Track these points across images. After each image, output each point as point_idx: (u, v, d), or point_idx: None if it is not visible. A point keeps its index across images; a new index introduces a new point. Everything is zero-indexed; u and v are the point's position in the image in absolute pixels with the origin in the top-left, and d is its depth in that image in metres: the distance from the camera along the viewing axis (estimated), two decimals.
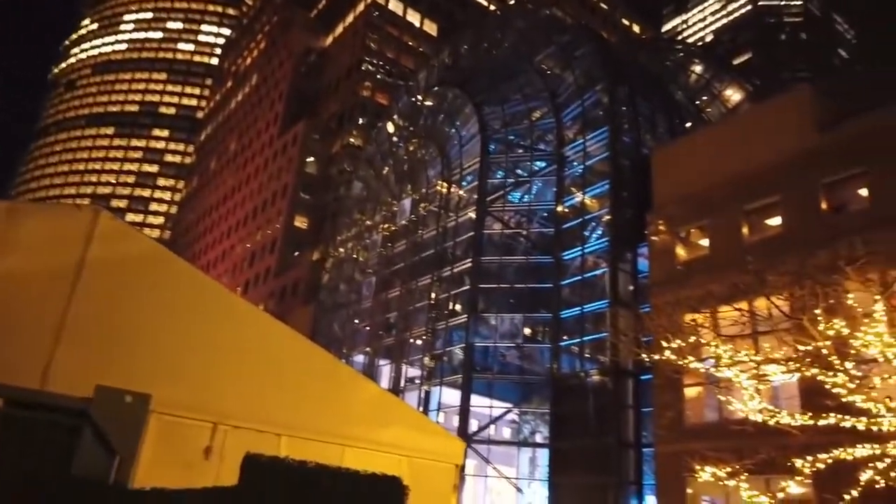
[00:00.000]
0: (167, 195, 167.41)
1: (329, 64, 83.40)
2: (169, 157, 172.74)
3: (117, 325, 5.98)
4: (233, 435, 6.19)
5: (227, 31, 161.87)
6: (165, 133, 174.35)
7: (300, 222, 71.52)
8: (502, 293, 36.22)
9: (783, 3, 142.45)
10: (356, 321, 47.60)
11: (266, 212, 76.18)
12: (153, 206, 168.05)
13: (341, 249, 53.61)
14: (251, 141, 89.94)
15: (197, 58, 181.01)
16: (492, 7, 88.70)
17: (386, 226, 48.01)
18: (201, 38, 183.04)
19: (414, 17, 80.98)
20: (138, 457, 5.15)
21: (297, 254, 68.96)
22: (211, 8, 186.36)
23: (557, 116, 38.29)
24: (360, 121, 71.90)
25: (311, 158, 74.56)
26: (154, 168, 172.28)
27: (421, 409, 35.51)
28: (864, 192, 21.66)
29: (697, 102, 44.05)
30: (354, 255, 51.19)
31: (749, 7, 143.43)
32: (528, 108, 40.46)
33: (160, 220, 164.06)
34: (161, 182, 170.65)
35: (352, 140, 71.20)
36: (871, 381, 11.42)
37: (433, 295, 39.69)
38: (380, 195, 50.26)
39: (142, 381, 5.39)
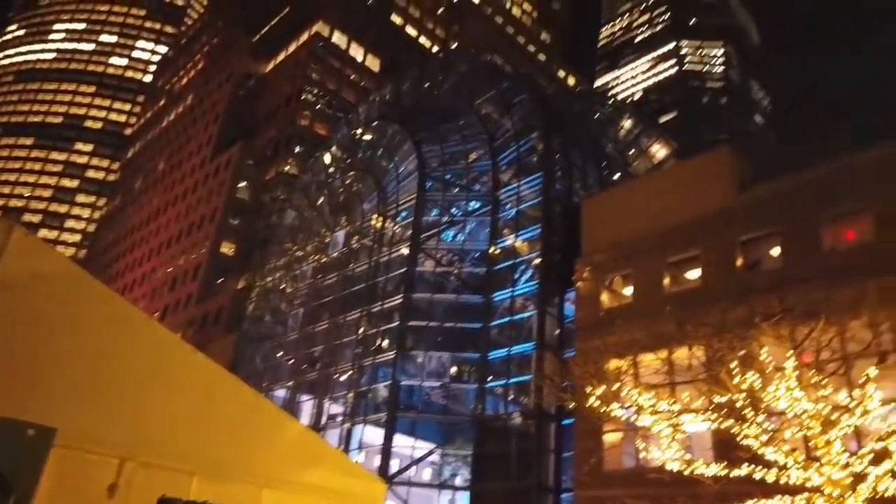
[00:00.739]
0: (86, 212, 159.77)
1: (269, 90, 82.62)
2: (91, 173, 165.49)
3: (24, 349, 5.56)
4: (141, 472, 5.80)
5: (163, 49, 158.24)
6: (89, 148, 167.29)
7: (227, 248, 69.55)
8: (431, 331, 36.11)
9: (706, 69, 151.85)
10: (280, 354, 46.27)
11: (192, 235, 73.75)
12: (69, 223, 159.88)
13: (269, 279, 52.33)
14: (181, 162, 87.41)
15: (129, 73, 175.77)
16: (434, 49, 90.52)
17: (317, 257, 47.30)
18: (136, 53, 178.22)
19: (357, 52, 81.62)
20: (36, 495, 4.73)
21: (221, 281, 66.81)
22: (148, 24, 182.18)
23: (494, 159, 39.10)
24: (297, 149, 71.22)
25: (244, 184, 73.06)
26: (74, 183, 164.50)
27: (342, 447, 34.60)
28: (776, 251, 22.97)
29: (626, 155, 45.95)
30: (282, 286, 50.04)
31: (675, 70, 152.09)
32: (466, 149, 41.16)
33: (76, 237, 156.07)
34: (80, 198, 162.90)
35: (287, 168, 70.32)
36: (781, 434, 11.91)
37: (361, 330, 39.16)
38: (313, 225, 49.61)
39: (47, 412, 4.99)
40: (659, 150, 45.91)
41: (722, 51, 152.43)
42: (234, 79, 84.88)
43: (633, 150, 46.13)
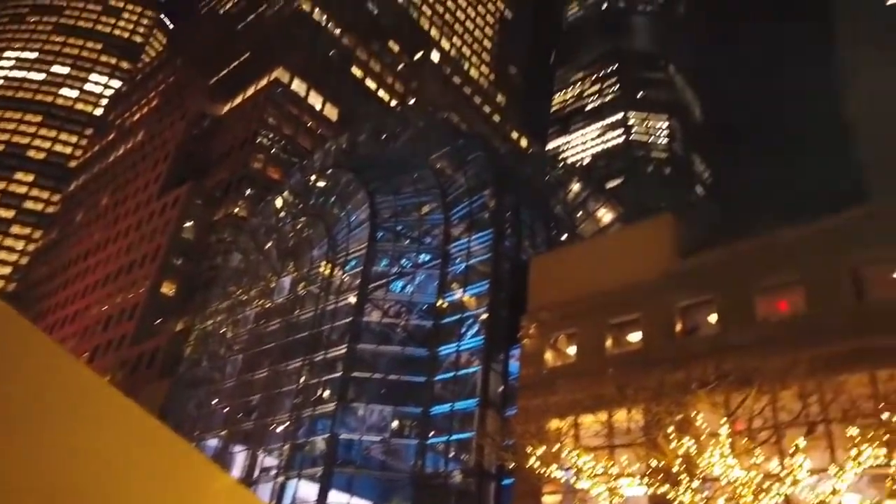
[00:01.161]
0: (20, 244, 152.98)
1: (223, 131, 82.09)
2: (30, 204, 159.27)
3: None
4: None
5: (117, 84, 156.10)
6: (30, 178, 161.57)
7: (168, 289, 67.45)
8: (374, 383, 35.52)
9: (651, 140, 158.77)
10: (215, 401, 44.55)
11: (132, 273, 71.34)
12: (0, 255, 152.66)
13: (210, 322, 50.81)
14: (127, 198, 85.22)
15: (80, 105, 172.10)
16: (393, 102, 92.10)
17: (261, 302, 46.31)
18: (88, 86, 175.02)
19: (316, 100, 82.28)
20: None
21: (159, 322, 64.50)
22: (104, 59, 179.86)
23: (446, 213, 39.53)
24: (248, 192, 70.51)
25: (191, 223, 71.57)
26: (10, 213, 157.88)
27: (275, 503, 33.20)
28: (714, 318, 23.71)
29: (574, 217, 47.14)
30: (223, 330, 48.62)
31: (623, 139, 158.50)
32: (419, 201, 41.55)
33: (6, 270, 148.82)
34: (15, 229, 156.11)
35: (237, 210, 69.38)
36: (715, 500, 12.06)
37: (302, 379, 38.18)
38: (259, 270, 48.73)
39: None
40: (605, 215, 47.31)
41: (667, 124, 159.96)
42: (188, 118, 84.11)
43: (580, 213, 47.39)
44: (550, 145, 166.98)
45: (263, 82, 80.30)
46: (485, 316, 34.18)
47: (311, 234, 45.94)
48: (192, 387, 47.19)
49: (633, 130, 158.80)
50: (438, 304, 36.66)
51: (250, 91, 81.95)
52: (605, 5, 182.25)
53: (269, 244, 49.38)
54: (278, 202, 52.44)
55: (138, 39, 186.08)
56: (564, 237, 43.12)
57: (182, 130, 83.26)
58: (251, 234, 52.93)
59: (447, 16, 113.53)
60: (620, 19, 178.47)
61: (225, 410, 43.19)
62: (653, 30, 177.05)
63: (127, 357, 62.28)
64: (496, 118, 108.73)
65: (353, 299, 38.19)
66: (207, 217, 71.87)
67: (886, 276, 20.55)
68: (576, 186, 49.39)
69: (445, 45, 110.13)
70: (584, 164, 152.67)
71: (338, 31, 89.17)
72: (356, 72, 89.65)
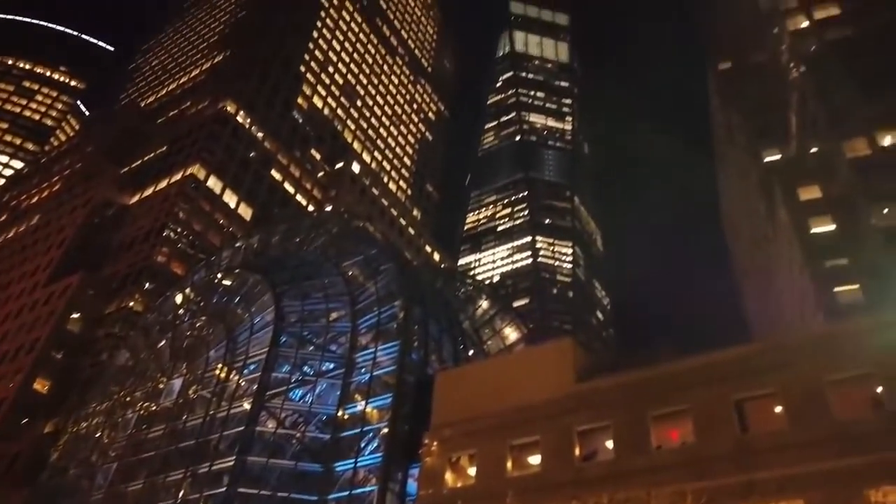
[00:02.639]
0: None
1: (129, 222, 79.24)
2: None
3: None
4: None
5: (18, 164, 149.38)
6: None
7: (41, 385, 61.63)
8: (262, 500, 33.11)
9: (556, 264, 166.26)
10: None
11: (2, 366, 65.03)
12: None
13: (84, 424, 46.54)
14: (10, 283, 79.23)
15: None
16: (310, 208, 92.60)
17: (146, 405, 43.12)
18: None
19: (231, 199, 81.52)
20: None
21: (25, 422, 58.32)
22: (8, 138, 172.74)
23: (354, 322, 39.14)
24: (147, 285, 67.35)
25: (77, 315, 66.95)
26: None
27: None
28: (610, 444, 24.11)
29: (482, 333, 47.77)
30: (98, 434, 44.55)
31: (530, 260, 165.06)
32: (328, 308, 41.02)
33: None
34: None
35: (132, 304, 65.78)
36: None
37: (182, 494, 35.12)
38: (147, 369, 45.74)
39: None
40: (511, 333, 48.25)
41: (571, 250, 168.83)
42: (91, 206, 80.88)
43: (487, 330, 48.15)
44: (462, 261, 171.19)
45: (178, 176, 79.15)
46: (386, 430, 33.23)
47: (209, 334, 43.99)
48: (55, 497, 42.27)
49: (540, 253, 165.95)
50: (339, 415, 35.43)
51: (163, 184, 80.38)
52: (518, 137, 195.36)
53: (163, 343, 46.77)
54: (178, 298, 50.35)
55: (49, 122, 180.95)
56: (471, 353, 43.42)
57: (82, 218, 79.70)
58: (144, 331, 50.09)
59: (370, 131, 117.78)
60: (532, 151, 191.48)
61: None
62: (560, 163, 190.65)
63: None
64: (411, 231, 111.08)
65: (247, 406, 36.31)
66: (98, 309, 67.60)
67: (769, 411, 21.80)
68: (484, 304, 50.47)
69: (367, 157, 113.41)
70: (494, 281, 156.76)
71: (260, 134, 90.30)
72: (275, 175, 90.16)
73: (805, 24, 58.40)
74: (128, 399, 44.91)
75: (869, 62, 50.38)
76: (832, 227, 45.62)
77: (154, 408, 42.26)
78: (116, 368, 49.30)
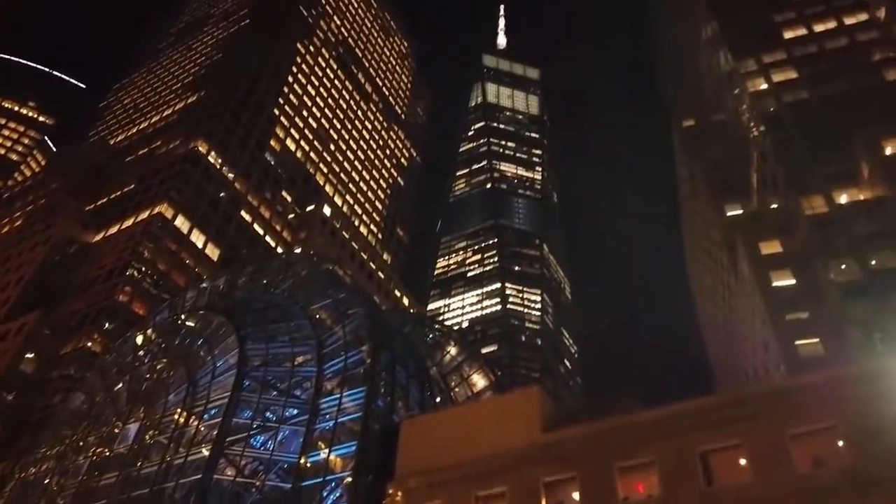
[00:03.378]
0: None
1: (91, 260, 77.56)
2: None
3: None
4: None
5: None
6: None
7: None
8: None
9: (525, 311, 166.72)
10: None
11: None
12: None
13: (32, 470, 44.42)
14: None
15: None
16: (279, 249, 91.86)
17: (99, 450, 41.40)
18: None
19: (198, 239, 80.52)
20: None
21: None
22: None
23: (320, 366, 38.45)
24: (107, 325, 65.55)
25: (32, 355, 64.63)
26: None
27: None
28: (577, 495, 23.87)
29: (449, 379, 47.30)
30: (47, 480, 42.52)
31: (499, 307, 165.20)
32: (293, 352, 40.30)
33: None
34: None
35: (90, 344, 63.83)
36: None
37: None
38: (102, 413, 44.10)
39: None
40: (479, 380, 47.87)
41: (540, 298, 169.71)
42: (52, 242, 79.13)
43: (455, 377, 47.72)
44: (431, 306, 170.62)
45: (144, 215, 78.13)
46: (349, 479, 32.36)
47: (169, 376, 42.77)
48: None
49: (509, 300, 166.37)
50: (301, 463, 34.43)
51: (129, 222, 79.19)
52: (489, 185, 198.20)
53: (120, 385, 45.29)
54: (139, 339, 49.06)
55: (14, 157, 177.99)
56: (438, 399, 42.88)
57: (43, 255, 77.83)
58: (101, 373, 48.52)
59: (343, 175, 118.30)
60: (502, 199, 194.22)
61: None
62: (530, 212, 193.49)
63: None
64: (381, 275, 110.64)
65: (206, 452, 35.11)
66: (54, 349, 65.43)
67: (733, 463, 21.89)
68: (453, 350, 50.14)
69: (338, 200, 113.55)
70: (463, 327, 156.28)
71: (231, 175, 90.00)
72: (245, 215, 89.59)
73: (764, 86, 61.13)
74: (80, 444, 43.11)
75: (825, 124, 52.80)
76: (793, 281, 46.84)
77: (107, 453, 40.60)
78: (70, 411, 47.47)
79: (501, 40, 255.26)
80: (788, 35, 63.93)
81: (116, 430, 41.59)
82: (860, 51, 59.42)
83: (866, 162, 47.87)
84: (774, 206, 55.54)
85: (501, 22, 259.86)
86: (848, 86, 55.75)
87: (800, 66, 60.72)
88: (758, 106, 60.49)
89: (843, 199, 48.35)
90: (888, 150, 47.61)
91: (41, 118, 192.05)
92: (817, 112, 55.35)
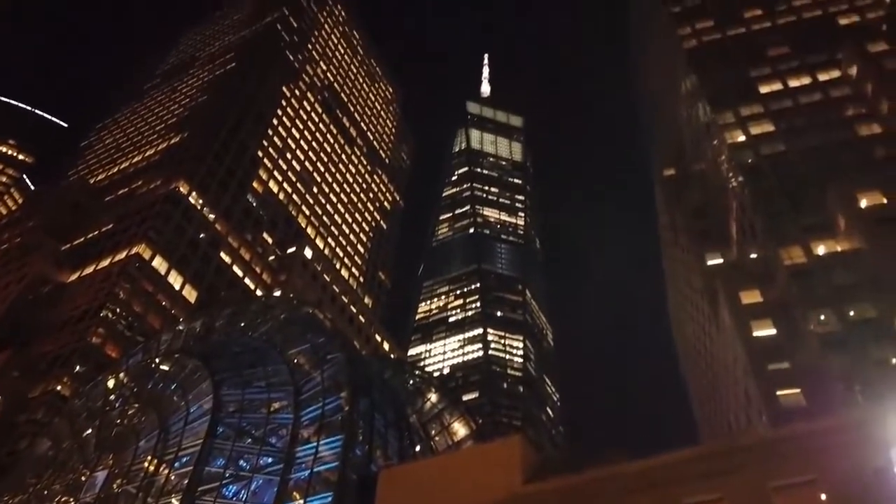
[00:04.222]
0: None
1: (65, 300, 76.00)
2: None
3: None
4: None
5: None
6: None
7: None
8: None
9: (507, 357, 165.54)
10: None
11: None
12: None
13: None
14: None
15: None
16: (259, 292, 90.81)
17: (64, 499, 39.71)
18: None
19: (176, 280, 79.39)
20: None
21: None
22: None
23: (296, 413, 37.50)
24: (78, 368, 63.82)
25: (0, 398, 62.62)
26: None
27: None
28: None
29: (429, 428, 46.33)
30: None
31: (481, 353, 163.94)
32: (269, 398, 39.33)
33: None
34: None
35: (59, 388, 61.98)
36: None
37: None
38: (69, 460, 42.49)
39: None
40: (460, 429, 46.95)
41: (522, 344, 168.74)
42: (26, 281, 77.58)
43: (435, 425, 46.79)
44: (412, 351, 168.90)
45: (122, 255, 77.08)
46: None
47: (141, 422, 41.46)
48: None
49: (491, 346, 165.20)
50: None
51: (105, 262, 78.02)
52: (471, 230, 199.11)
53: (89, 431, 43.79)
54: (110, 383, 47.73)
55: None
56: (417, 448, 41.91)
57: (15, 294, 76.18)
58: (69, 418, 46.95)
59: (325, 218, 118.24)
60: (485, 244, 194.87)
61: None
62: (513, 257, 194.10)
63: None
64: (361, 319, 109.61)
65: (176, 502, 33.78)
66: (22, 392, 63.43)
67: None
68: (433, 397, 49.28)
69: (320, 243, 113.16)
70: (444, 373, 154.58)
71: (212, 216, 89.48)
72: (224, 257, 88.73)
73: (742, 138, 62.62)
74: (45, 492, 41.34)
75: (801, 176, 53.98)
76: (773, 331, 47.03)
77: (73, 503, 38.93)
78: (36, 458, 45.73)
79: (486, 88, 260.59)
80: (764, 90, 65.91)
81: (83, 478, 40.01)
82: (833, 106, 61.29)
83: (842, 214, 48.78)
84: (754, 255, 56.19)
85: (486, 70, 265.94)
86: (822, 140, 57.25)
87: (776, 119, 62.41)
88: (736, 157, 61.80)
89: (820, 250, 49.04)
90: (863, 203, 48.64)
91: (20, 156, 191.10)
92: (794, 164, 56.65)
